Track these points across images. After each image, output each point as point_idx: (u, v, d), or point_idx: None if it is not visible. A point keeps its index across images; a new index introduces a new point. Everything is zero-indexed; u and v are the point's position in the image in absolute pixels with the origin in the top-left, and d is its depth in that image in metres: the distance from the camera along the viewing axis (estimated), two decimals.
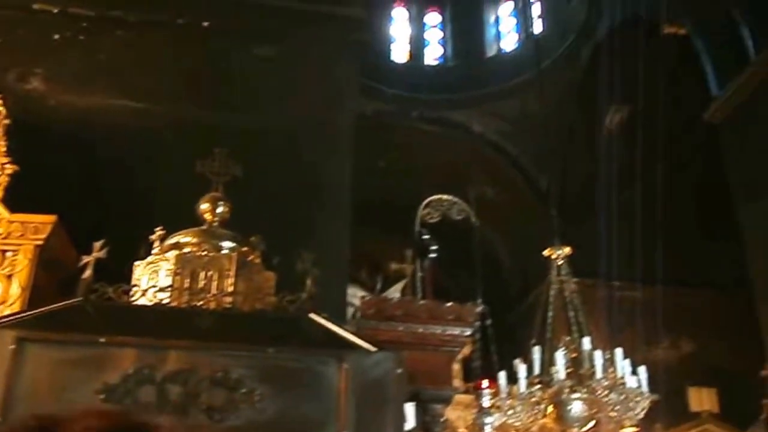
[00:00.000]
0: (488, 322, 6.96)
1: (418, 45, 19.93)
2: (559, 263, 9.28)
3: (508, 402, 7.79)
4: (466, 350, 14.85)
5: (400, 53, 19.72)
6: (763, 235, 11.35)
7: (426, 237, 5.78)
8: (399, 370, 3.14)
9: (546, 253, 9.00)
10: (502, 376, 7.92)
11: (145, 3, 7.90)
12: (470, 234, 19.12)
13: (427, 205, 6.01)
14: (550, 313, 9.08)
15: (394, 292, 7.06)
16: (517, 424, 7.86)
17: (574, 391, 7.69)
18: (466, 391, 8.57)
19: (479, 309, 6.95)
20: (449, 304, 4.78)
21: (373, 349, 3.19)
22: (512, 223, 18.51)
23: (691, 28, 13.23)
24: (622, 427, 9.26)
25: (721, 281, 15.60)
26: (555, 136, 17.15)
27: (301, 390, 3.02)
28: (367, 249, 14.32)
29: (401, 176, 18.02)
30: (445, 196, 6.12)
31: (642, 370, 7.81)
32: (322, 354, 3.13)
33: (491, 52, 19.61)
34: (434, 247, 5.65)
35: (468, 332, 4.80)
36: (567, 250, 9.12)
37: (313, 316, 3.41)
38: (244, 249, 4.03)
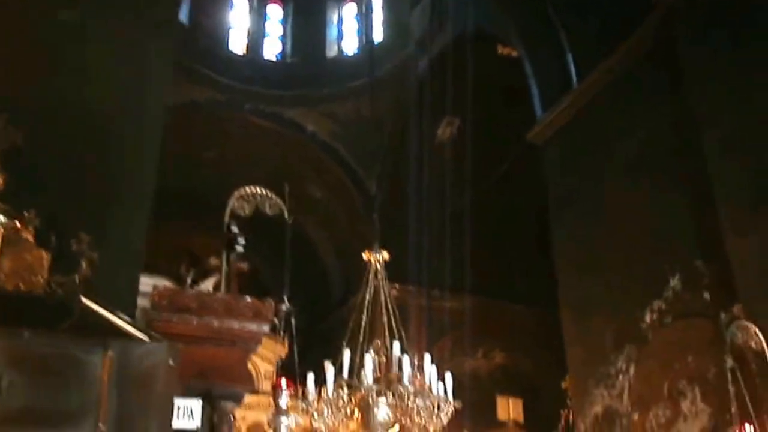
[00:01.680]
0: (293, 320, 6.80)
1: (257, 37, 19.53)
2: (377, 267, 9.23)
3: (315, 405, 7.68)
4: (281, 351, 14.74)
5: (238, 44, 19.28)
6: (570, 255, 11.87)
7: (234, 230, 5.55)
8: (171, 362, 2.93)
9: (364, 256, 8.93)
10: (310, 378, 7.78)
11: None
12: (294, 231, 18.98)
13: (239, 198, 5.77)
14: (364, 317, 9.02)
15: (206, 286, 6.79)
16: (323, 427, 7.75)
17: (381, 396, 7.66)
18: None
19: (285, 307, 6.82)
20: (248, 299, 4.59)
21: (144, 338, 2.95)
22: (339, 226, 18.51)
23: (522, 52, 13.68)
24: None
25: (535, 297, 16.20)
26: (387, 143, 17.33)
27: (59, 378, 2.76)
28: (190, 243, 13.87)
29: (230, 169, 17.61)
30: (258, 189, 5.90)
31: (448, 376, 7.88)
32: (85, 341, 2.87)
33: (331, 53, 19.55)
34: (242, 241, 5.43)
35: (265, 329, 4.63)
36: (385, 254, 9.09)
37: (84, 300, 3.14)
38: (16, 224, 3.68)
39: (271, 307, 4.63)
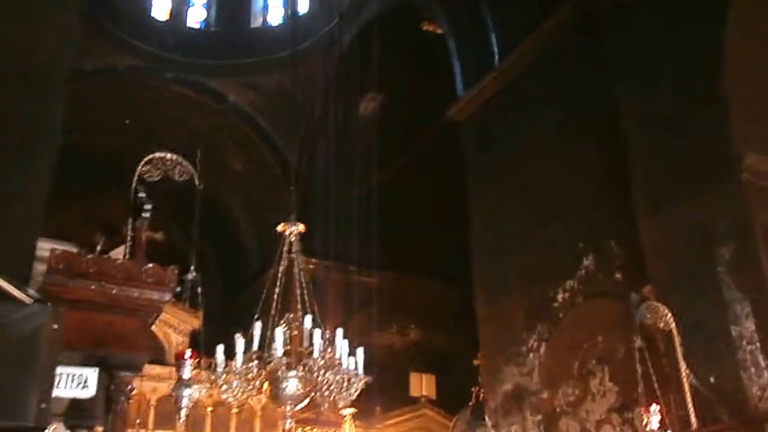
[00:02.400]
0: (199, 289, 6.62)
1: (180, 4, 19.08)
2: (292, 240, 9.08)
3: (224, 377, 7.56)
4: (195, 323, 14.50)
5: (161, 10, 18.77)
6: (485, 232, 11.94)
7: (142, 195, 5.34)
8: (55, 326, 2.77)
9: (279, 228, 8.77)
10: (219, 349, 7.64)
11: None
12: (212, 203, 18.70)
13: (147, 162, 5.56)
14: (277, 289, 8.88)
15: (116, 255, 6.54)
16: (231, 399, 7.64)
17: (291, 369, 7.58)
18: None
19: (192, 276, 6.64)
20: (149, 265, 4.43)
21: (27, 300, 2.79)
22: (258, 198, 18.31)
23: (446, 29, 13.65)
24: (338, 407, 9.31)
25: (451, 273, 16.29)
26: (309, 116, 17.16)
27: None
28: (109, 211, 13.50)
29: (150, 136, 17.19)
30: (168, 155, 5.69)
31: (359, 351, 7.84)
32: None
33: (256, 23, 19.24)
34: (149, 207, 5.23)
35: (167, 297, 4.48)
36: (301, 227, 8.95)
37: None
38: None
39: (174, 275, 4.48)
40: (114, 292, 4.27)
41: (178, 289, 4.72)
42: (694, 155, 8.20)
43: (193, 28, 18.95)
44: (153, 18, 18.36)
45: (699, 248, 8.02)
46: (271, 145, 17.48)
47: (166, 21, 18.62)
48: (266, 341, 7.89)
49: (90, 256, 4.36)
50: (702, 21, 8.39)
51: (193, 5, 19.37)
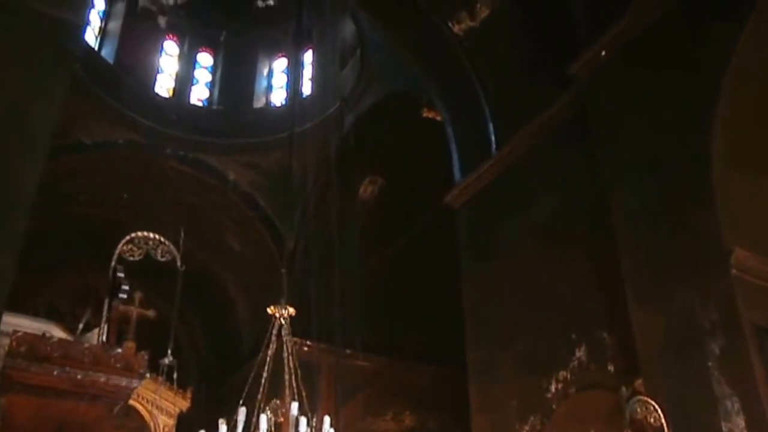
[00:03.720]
0: (174, 375, 6.51)
1: (184, 82, 19.38)
2: (282, 322, 9.00)
3: None
4: (183, 405, 14.25)
5: (164, 87, 19.06)
6: (479, 320, 11.83)
7: (120, 275, 5.29)
8: None
9: (270, 310, 8.71)
10: None
11: None
12: (208, 281, 18.61)
13: (129, 241, 5.53)
14: (265, 374, 8.76)
15: (94, 335, 6.47)
16: None
17: None
18: None
19: (168, 360, 6.53)
20: (118, 350, 4.35)
21: None
22: (255, 278, 18.20)
23: (445, 116, 13.83)
24: None
25: (449, 358, 16.09)
26: (308, 197, 17.22)
27: None
28: (101, 284, 13.43)
29: (147, 212, 17.28)
30: (151, 234, 5.67)
31: None
32: None
33: (259, 103, 19.50)
34: (126, 287, 5.17)
35: (135, 384, 4.38)
36: (291, 310, 8.88)
37: None
38: None
39: (143, 361, 4.39)
40: (79, 377, 4.19)
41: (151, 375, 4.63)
42: (682, 249, 8.17)
43: (195, 106, 19.19)
44: (156, 94, 18.61)
45: (689, 342, 7.91)
46: (269, 225, 17.47)
47: (169, 98, 18.87)
48: (251, 428, 7.75)
49: (55, 338, 4.28)
50: (691, 120, 8.47)
51: (196, 83, 19.67)
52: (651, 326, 8.50)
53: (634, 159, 9.16)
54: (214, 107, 19.18)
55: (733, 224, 7.80)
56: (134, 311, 6.79)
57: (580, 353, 9.92)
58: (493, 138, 12.35)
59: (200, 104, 19.30)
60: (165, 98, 18.68)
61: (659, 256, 8.48)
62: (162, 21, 19.15)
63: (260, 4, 19.56)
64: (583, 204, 10.28)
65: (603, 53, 9.85)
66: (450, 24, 12.76)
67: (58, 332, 7.62)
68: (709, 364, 7.58)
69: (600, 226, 9.64)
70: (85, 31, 11.63)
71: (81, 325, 6.77)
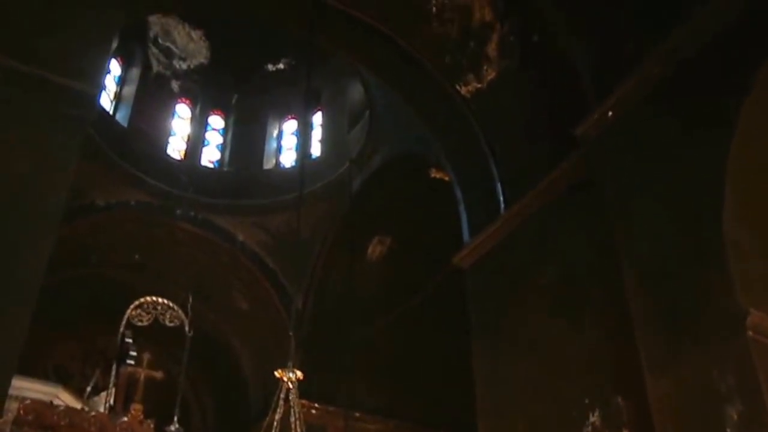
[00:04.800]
0: None
1: (195, 144, 19.57)
2: (290, 386, 8.88)
3: None
4: None
5: (176, 150, 19.24)
6: (489, 384, 11.62)
7: (128, 340, 5.25)
8: None
9: (276, 374, 8.60)
10: None
11: None
12: (215, 342, 18.49)
13: (137, 306, 5.50)
14: None
15: (102, 398, 6.39)
16: None
17: None
18: None
19: (174, 429, 6.43)
20: (124, 419, 4.27)
21: None
22: (263, 339, 18.10)
23: (453, 178, 13.85)
24: None
25: (460, 423, 15.84)
26: (316, 258, 17.20)
27: None
28: (110, 347, 13.36)
29: (156, 273, 17.32)
30: (160, 300, 5.64)
31: None
32: None
33: (269, 164, 19.63)
34: (133, 353, 5.12)
35: None
36: (299, 374, 8.77)
37: None
38: None
39: (150, 429, 4.31)
40: None
41: None
42: (696, 311, 8.03)
43: (206, 167, 19.34)
44: (168, 156, 18.78)
45: (706, 407, 7.71)
46: (277, 286, 17.45)
47: (181, 160, 19.03)
48: None
49: (62, 406, 4.22)
50: (701, 178, 8.41)
51: (207, 145, 19.85)
52: (666, 392, 8.31)
53: (643, 222, 9.08)
54: (225, 169, 19.32)
55: (748, 285, 7.68)
56: (142, 373, 6.73)
57: (594, 418, 9.69)
58: (501, 198, 12.31)
59: (211, 166, 19.45)
60: (177, 160, 18.84)
61: (672, 321, 8.34)
62: (175, 85, 19.42)
63: (271, 67, 19.83)
64: (592, 265, 10.18)
65: (610, 114, 9.86)
66: (457, 86, 12.84)
67: (65, 396, 7.54)
68: (728, 430, 7.40)
69: (610, 289, 9.52)
70: (100, 97, 11.74)
71: (89, 389, 6.68)
